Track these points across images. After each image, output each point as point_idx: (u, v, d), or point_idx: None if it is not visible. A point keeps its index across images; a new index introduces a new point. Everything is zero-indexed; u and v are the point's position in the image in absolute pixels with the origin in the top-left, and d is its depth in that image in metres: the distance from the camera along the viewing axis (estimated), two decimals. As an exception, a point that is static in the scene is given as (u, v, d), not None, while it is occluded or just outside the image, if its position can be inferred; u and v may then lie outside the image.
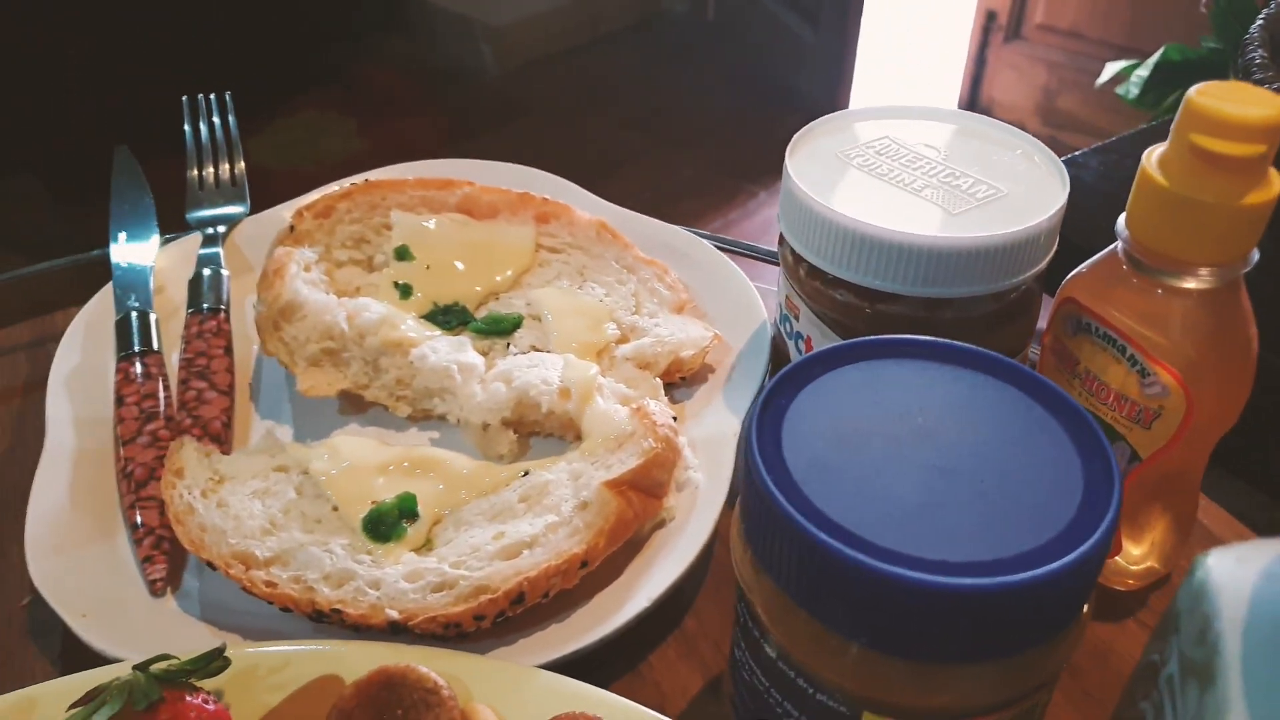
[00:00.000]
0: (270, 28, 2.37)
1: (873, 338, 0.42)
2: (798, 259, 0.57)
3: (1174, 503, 0.55)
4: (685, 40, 3.47)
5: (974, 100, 3.24)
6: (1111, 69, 2.38)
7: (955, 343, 0.42)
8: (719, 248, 0.74)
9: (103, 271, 0.76)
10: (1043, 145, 0.57)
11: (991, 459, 0.38)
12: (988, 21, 3.18)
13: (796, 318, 0.59)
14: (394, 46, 3.09)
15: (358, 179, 0.74)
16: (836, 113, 0.61)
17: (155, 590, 0.54)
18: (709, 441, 0.60)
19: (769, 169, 2.97)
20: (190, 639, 0.52)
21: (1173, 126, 0.45)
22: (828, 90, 3.12)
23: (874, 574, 0.33)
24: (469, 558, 0.52)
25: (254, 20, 2.39)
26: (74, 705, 0.43)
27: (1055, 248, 0.55)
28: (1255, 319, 0.49)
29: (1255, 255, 0.47)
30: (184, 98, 0.79)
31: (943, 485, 0.37)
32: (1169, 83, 2.28)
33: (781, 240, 0.60)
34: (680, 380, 0.66)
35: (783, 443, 0.39)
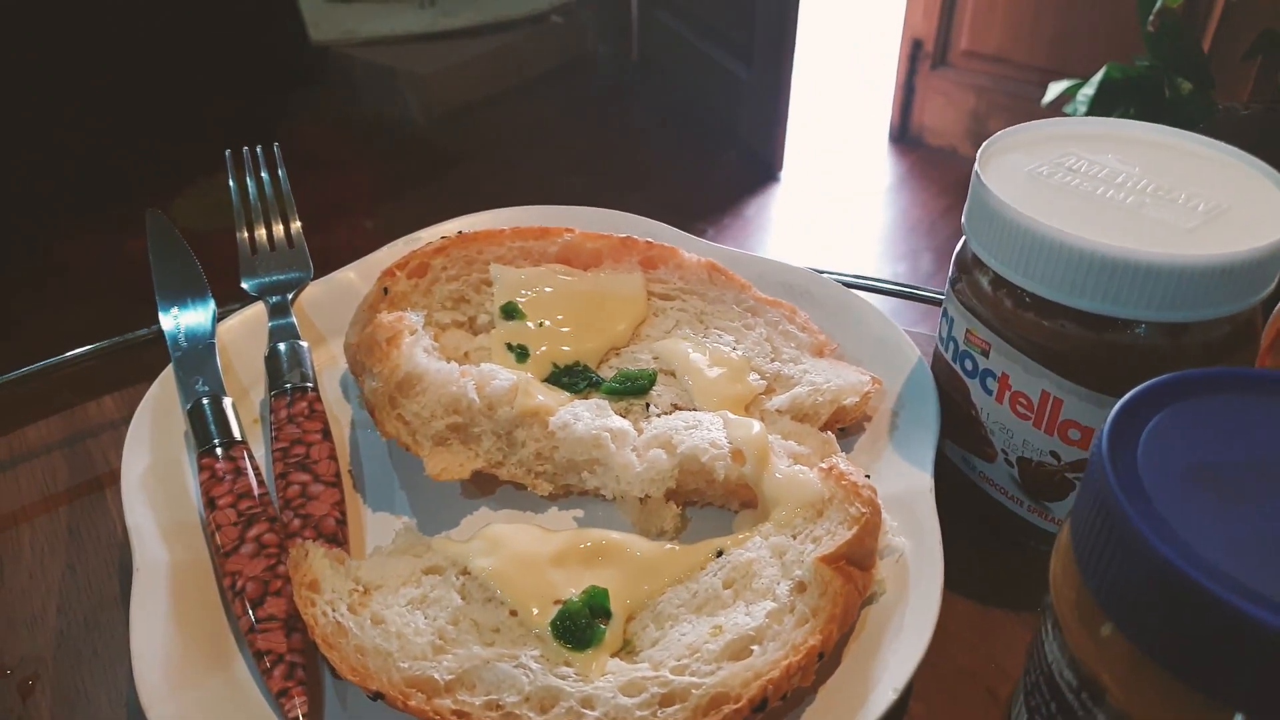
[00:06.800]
0: (187, 88, 2.27)
1: (1222, 369, 0.37)
2: (997, 286, 0.51)
3: None
4: (612, 82, 3.45)
5: (905, 127, 3.28)
6: (1055, 89, 2.42)
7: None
8: (844, 284, 0.68)
9: (140, 353, 0.66)
10: (1247, 154, 0.53)
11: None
12: (914, 50, 3.23)
13: (985, 354, 0.53)
14: (318, 101, 3.00)
15: (449, 231, 0.66)
16: (1006, 130, 0.56)
17: (299, 730, 0.45)
18: (900, 500, 0.54)
19: (715, 208, 2.96)
20: (355, 786, 0.44)
21: None
22: (764, 126, 3.12)
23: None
24: (690, 661, 0.44)
25: (170, 81, 2.28)
26: None
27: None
28: None
29: None
30: (227, 151, 0.70)
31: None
32: (1113, 99, 2.33)
33: (966, 268, 0.54)
34: (839, 431, 0.59)
35: (1146, 489, 0.33)
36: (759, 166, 3.10)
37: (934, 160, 3.11)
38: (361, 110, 3.12)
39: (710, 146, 3.22)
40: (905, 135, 3.27)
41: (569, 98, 3.30)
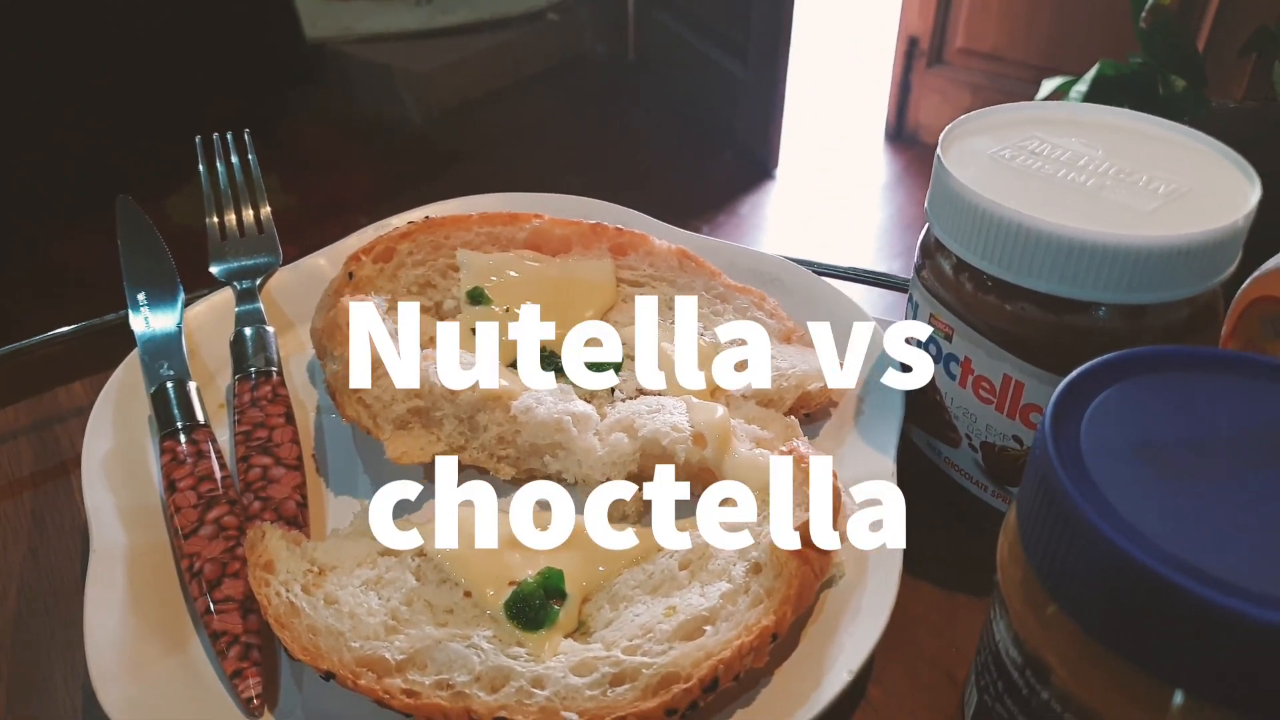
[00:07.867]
0: (185, 87, 2.27)
1: (1169, 347, 0.37)
2: (959, 270, 0.51)
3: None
4: (608, 81, 3.44)
5: (901, 125, 3.28)
6: (1049, 85, 2.41)
7: (1262, 357, 0.36)
8: (816, 272, 0.68)
9: (112, 340, 0.66)
10: (1209, 137, 0.53)
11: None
12: (910, 48, 3.22)
13: (948, 338, 0.53)
14: (314, 99, 3.00)
15: (416, 216, 0.66)
16: (970, 114, 0.56)
17: (253, 710, 0.45)
18: (863, 484, 0.54)
19: (711, 205, 2.95)
20: (307, 766, 0.43)
21: None
22: (760, 124, 3.11)
23: (1222, 611, 0.28)
24: (643, 641, 0.44)
25: (168, 80, 2.28)
26: None
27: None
28: None
29: None
30: (198, 138, 0.70)
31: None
32: (1106, 96, 2.32)
33: (930, 252, 0.54)
34: (804, 417, 0.59)
35: (1088, 467, 0.33)
36: (754, 164, 3.10)
37: (930, 158, 3.10)
38: (357, 108, 3.12)
39: (706, 145, 3.22)
40: (901, 133, 3.27)
41: (566, 96, 3.30)
